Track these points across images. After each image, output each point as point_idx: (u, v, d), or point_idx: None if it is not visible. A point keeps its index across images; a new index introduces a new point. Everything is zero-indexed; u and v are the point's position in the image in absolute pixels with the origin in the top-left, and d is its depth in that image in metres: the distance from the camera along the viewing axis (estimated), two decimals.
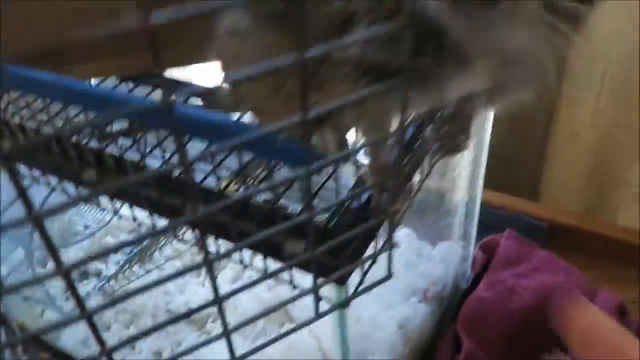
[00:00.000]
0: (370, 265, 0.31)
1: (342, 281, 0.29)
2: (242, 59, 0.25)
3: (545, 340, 0.62)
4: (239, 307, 0.65)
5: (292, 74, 0.21)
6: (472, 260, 0.71)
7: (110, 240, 0.80)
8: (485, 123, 0.55)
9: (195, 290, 0.73)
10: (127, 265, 0.73)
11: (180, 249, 0.76)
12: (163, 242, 0.76)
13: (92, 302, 0.70)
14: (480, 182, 0.61)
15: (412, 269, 0.61)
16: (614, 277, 0.74)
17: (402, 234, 0.67)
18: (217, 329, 0.66)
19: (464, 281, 0.71)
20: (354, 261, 0.30)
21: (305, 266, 0.29)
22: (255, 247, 0.30)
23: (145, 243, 0.75)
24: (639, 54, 0.79)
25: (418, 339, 0.55)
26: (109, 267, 0.76)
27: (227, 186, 0.31)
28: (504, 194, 0.83)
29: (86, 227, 0.80)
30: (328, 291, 0.32)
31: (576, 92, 0.90)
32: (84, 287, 0.74)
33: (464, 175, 0.55)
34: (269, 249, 0.30)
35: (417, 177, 0.34)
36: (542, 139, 0.97)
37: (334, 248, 0.27)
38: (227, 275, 0.72)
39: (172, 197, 0.31)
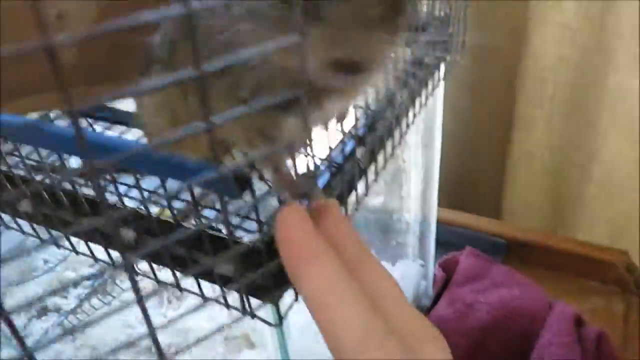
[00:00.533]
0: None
1: (273, 301, 0.30)
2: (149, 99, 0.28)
3: (502, 353, 0.62)
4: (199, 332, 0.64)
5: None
6: (433, 278, 0.72)
7: (71, 275, 0.79)
8: (433, 144, 0.56)
9: (157, 321, 0.72)
10: (86, 299, 0.72)
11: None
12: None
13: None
14: (434, 201, 0.63)
15: None
16: (572, 289, 0.75)
17: None
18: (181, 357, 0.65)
19: (427, 299, 0.71)
20: (285, 279, 0.30)
21: (232, 286, 0.30)
22: (188, 271, 0.31)
23: (105, 276, 0.74)
24: (584, 76, 0.83)
25: None
26: (70, 301, 0.75)
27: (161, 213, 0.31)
28: (465, 213, 0.85)
29: (45, 261, 0.79)
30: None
31: (530, 114, 0.93)
32: (43, 323, 0.72)
33: (414, 194, 0.56)
34: (200, 272, 0.30)
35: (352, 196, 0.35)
36: (500, 159, 1.00)
37: (265, 268, 0.28)
38: (191, 303, 0.71)
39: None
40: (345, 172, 0.33)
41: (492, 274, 0.71)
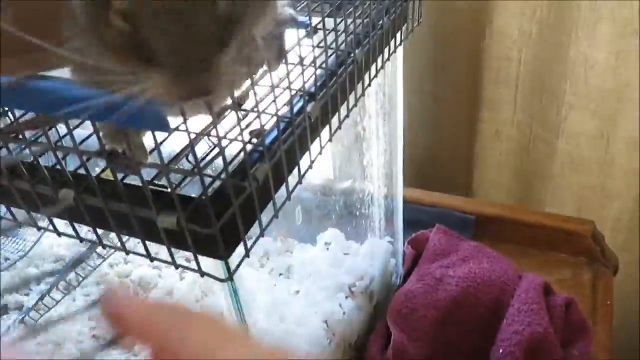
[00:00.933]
0: (256, 239, 0.31)
1: (222, 256, 0.29)
2: None
3: (470, 325, 0.62)
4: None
5: None
6: (402, 256, 0.71)
7: (33, 271, 0.76)
8: (395, 114, 0.56)
9: None
10: (46, 294, 0.70)
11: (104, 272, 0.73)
12: (89, 268, 0.73)
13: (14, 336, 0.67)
14: (399, 174, 0.62)
15: (339, 266, 0.61)
16: (540, 262, 0.76)
17: (330, 234, 0.67)
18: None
19: (396, 277, 0.71)
20: (233, 233, 0.29)
21: (180, 243, 0.29)
22: (133, 232, 0.29)
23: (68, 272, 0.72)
24: (546, 50, 0.83)
25: (344, 333, 0.54)
26: (32, 298, 0.72)
27: (102, 171, 0.30)
28: (433, 192, 0.85)
29: (6, 259, 0.77)
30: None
31: (495, 93, 0.93)
32: (4, 322, 0.70)
33: (376, 165, 0.55)
34: (145, 231, 0.29)
35: None
36: (468, 138, 1.00)
37: (209, 220, 0.27)
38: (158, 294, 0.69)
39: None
40: (295, 126, 0.32)
41: (461, 249, 0.71)
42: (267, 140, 0.31)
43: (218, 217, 0.27)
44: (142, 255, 0.30)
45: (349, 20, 0.40)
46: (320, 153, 0.37)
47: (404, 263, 0.72)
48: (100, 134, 0.28)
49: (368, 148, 0.54)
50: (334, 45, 0.39)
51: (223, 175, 0.28)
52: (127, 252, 0.31)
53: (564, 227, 0.76)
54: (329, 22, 0.41)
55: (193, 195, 0.28)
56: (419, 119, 1.00)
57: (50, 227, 0.33)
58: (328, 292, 0.57)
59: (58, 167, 0.29)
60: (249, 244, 0.30)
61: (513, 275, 0.67)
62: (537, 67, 0.87)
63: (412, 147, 0.97)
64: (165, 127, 0.23)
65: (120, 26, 0.23)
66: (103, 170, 0.30)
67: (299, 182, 0.34)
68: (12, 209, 0.34)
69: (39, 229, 0.34)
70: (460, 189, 1.03)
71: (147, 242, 0.30)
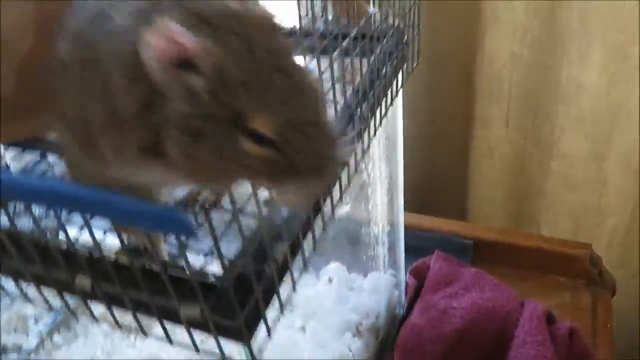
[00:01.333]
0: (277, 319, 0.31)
1: (245, 340, 0.28)
2: None
3: (478, 356, 0.63)
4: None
5: None
6: (404, 286, 0.71)
7: (29, 311, 0.75)
8: (396, 153, 0.56)
9: (125, 352, 0.69)
10: (48, 336, 0.68)
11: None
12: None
13: None
14: (401, 210, 0.62)
15: (344, 303, 0.61)
16: (540, 285, 0.76)
17: (332, 268, 0.67)
18: None
19: (400, 308, 0.71)
20: (254, 316, 0.29)
21: (202, 328, 0.28)
22: (153, 314, 0.29)
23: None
24: (537, 72, 0.84)
25: None
26: (30, 339, 0.71)
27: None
28: (430, 217, 0.85)
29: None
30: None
31: (488, 111, 0.94)
32: None
33: (380, 205, 0.55)
34: (166, 315, 0.29)
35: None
36: (462, 159, 1.01)
37: (230, 306, 0.27)
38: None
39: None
40: None
41: (462, 277, 0.71)
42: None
43: (241, 303, 0.27)
44: (161, 339, 0.30)
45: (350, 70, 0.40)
46: (332, 214, 0.36)
47: (407, 293, 0.72)
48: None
49: (373, 192, 0.54)
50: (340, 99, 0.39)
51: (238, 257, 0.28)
52: (146, 335, 0.31)
53: (562, 251, 0.76)
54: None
55: (213, 279, 0.28)
56: (412, 142, 1.00)
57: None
58: (335, 331, 0.57)
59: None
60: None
61: (515, 304, 0.68)
62: (529, 87, 0.87)
63: (407, 168, 0.98)
64: (190, 231, 0.23)
65: (256, 152, 0.23)
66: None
67: (314, 249, 0.34)
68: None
69: (50, 308, 0.33)
70: (455, 209, 1.04)
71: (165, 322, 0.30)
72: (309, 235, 0.33)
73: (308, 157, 0.23)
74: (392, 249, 0.64)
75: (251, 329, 0.28)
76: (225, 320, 0.26)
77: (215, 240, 0.25)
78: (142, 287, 0.27)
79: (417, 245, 0.79)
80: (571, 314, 0.71)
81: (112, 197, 0.23)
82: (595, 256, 0.75)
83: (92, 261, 0.29)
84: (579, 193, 0.89)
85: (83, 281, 0.28)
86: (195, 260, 0.29)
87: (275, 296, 0.30)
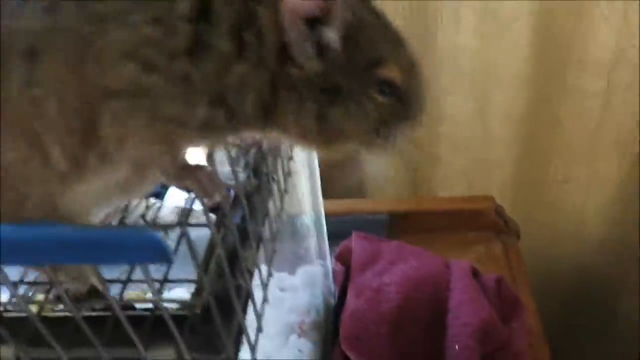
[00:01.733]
0: (257, 337, 0.26)
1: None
2: None
3: (418, 330, 0.62)
4: None
5: None
6: (332, 274, 0.69)
7: None
8: None
9: None
10: None
11: None
12: None
13: None
14: (320, 195, 0.59)
15: (280, 306, 0.57)
16: (454, 244, 0.78)
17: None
18: None
19: (331, 296, 0.68)
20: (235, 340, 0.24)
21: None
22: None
23: None
24: (416, 37, 0.86)
25: None
26: None
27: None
28: (344, 200, 0.84)
29: None
30: None
31: None
32: None
33: (306, 194, 0.52)
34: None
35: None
36: None
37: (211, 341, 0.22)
38: None
39: None
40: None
41: (385, 252, 0.71)
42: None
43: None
44: None
45: None
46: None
47: (335, 279, 0.69)
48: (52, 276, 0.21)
49: (299, 180, 0.50)
50: None
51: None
52: None
53: (469, 208, 0.79)
54: None
55: (184, 310, 0.22)
56: None
57: None
58: (279, 338, 0.52)
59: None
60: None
61: (441, 266, 0.69)
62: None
63: None
64: (167, 258, 0.17)
65: (381, 101, 0.26)
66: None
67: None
68: None
69: None
70: (356, 189, 1.04)
71: None
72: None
73: (419, 100, 0.27)
74: (318, 237, 0.61)
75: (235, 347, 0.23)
76: (210, 355, 0.21)
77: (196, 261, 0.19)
78: (90, 342, 0.21)
79: (334, 230, 0.77)
80: (488, 265, 0.74)
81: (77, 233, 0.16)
82: (499, 207, 0.79)
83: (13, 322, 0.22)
84: (468, 151, 0.93)
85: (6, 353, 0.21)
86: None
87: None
